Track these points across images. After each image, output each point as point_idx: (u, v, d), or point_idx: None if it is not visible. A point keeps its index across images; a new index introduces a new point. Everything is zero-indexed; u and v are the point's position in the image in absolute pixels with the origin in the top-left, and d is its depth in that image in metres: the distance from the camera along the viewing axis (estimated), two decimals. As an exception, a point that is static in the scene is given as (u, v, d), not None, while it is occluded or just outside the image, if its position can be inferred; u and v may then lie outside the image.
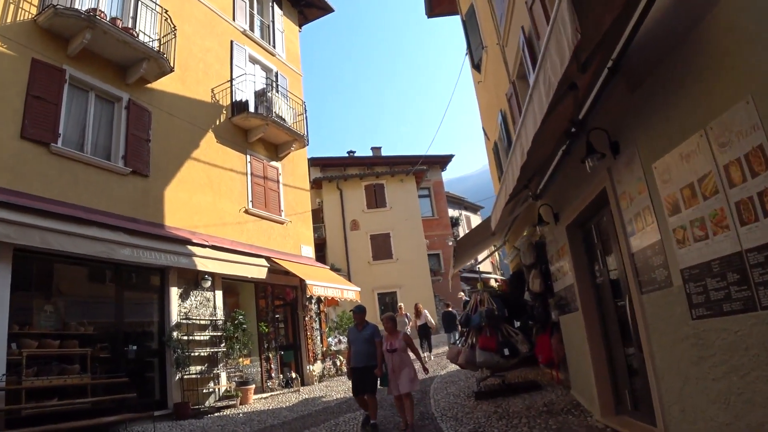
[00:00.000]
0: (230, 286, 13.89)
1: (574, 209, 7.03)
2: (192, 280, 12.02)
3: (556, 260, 8.62)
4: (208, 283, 12.18)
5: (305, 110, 17.34)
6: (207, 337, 12.01)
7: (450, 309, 19.17)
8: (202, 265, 11.59)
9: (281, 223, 15.83)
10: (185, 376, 11.10)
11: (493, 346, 9.50)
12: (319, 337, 16.39)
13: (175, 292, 11.55)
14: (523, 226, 11.60)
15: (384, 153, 37.27)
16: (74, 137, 10.59)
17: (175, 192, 12.22)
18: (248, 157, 15.03)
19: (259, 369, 13.81)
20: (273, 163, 16.12)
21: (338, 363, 16.78)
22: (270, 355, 14.11)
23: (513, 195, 6.86)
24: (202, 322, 12.03)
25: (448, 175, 36.29)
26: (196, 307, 11.98)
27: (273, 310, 14.90)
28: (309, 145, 17.45)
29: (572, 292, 7.71)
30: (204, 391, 11.54)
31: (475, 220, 47.20)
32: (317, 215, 26.65)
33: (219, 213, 13.41)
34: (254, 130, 15.13)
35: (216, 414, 11.14)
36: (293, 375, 14.17)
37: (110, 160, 11.01)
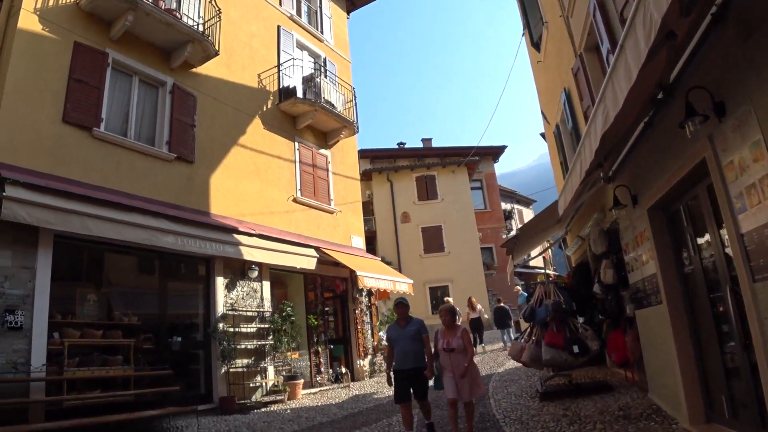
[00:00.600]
0: (278, 276, 13.44)
1: (658, 189, 6.19)
2: (238, 270, 11.60)
3: (632, 248, 7.76)
4: (255, 273, 11.73)
5: (355, 97, 16.76)
6: (254, 330, 11.57)
7: (502, 304, 18.35)
8: (248, 254, 11.14)
9: (331, 212, 15.31)
10: (231, 370, 10.68)
11: (560, 343, 8.70)
12: (369, 331, 15.83)
13: (221, 282, 11.14)
14: (588, 214, 10.71)
15: (435, 144, 36.51)
16: (117, 122, 10.27)
17: (221, 179, 11.81)
18: (296, 144, 14.55)
19: (308, 363, 13.33)
20: (322, 150, 15.60)
21: (390, 358, 16.20)
22: (319, 348, 13.61)
23: (589, 172, 6.06)
24: (249, 314, 11.60)
25: (498, 169, 35.13)
26: (242, 298, 11.55)
27: (322, 302, 14.41)
28: (358, 133, 16.89)
29: (653, 283, 6.88)
30: (251, 385, 11.10)
31: (528, 213, 45.94)
32: (367, 208, 26.09)
33: (266, 201, 12.95)
34: (302, 116, 14.63)
35: (263, 409, 10.67)
36: (343, 370, 13.64)
37: (154, 146, 10.65)
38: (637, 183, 7.08)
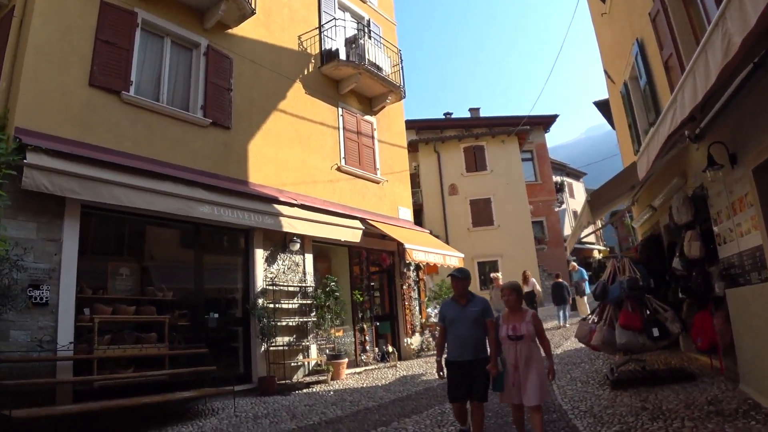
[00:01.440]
0: (321, 250, 12.75)
1: (769, 145, 5.19)
2: (279, 242, 10.93)
3: (726, 217, 6.71)
4: (297, 246, 11.04)
5: (401, 60, 15.77)
6: (296, 306, 10.93)
7: (560, 280, 17.31)
8: (289, 226, 10.43)
9: (377, 182, 14.49)
10: (271, 348, 10.07)
11: (637, 325, 7.73)
12: (417, 308, 15.05)
13: (260, 255, 10.49)
14: (663, 180, 9.62)
15: (483, 114, 35.21)
16: (148, 86, 9.64)
17: (259, 146, 11.10)
18: (340, 110, 13.72)
19: (353, 341, 12.64)
20: (367, 117, 14.74)
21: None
22: (364, 326, 12.91)
23: (684, 123, 5.05)
24: (291, 289, 10.94)
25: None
26: (283, 272, 10.89)
27: (368, 277, 13.67)
28: (405, 100, 15.95)
29: (757, 257, 5.85)
30: (292, 364, 10.50)
31: (578, 187, 44.35)
32: (413, 180, 25.07)
33: (308, 170, 12.21)
34: (346, 80, 13.78)
35: (304, 390, 10.04)
36: (390, 349, 12.92)
37: (188, 111, 10.00)
38: (739, 139, 6.02)
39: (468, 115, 34.91)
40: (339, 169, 13.13)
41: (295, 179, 11.74)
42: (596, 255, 44.75)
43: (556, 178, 36.06)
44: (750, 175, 5.71)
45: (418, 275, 15.55)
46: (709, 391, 6.90)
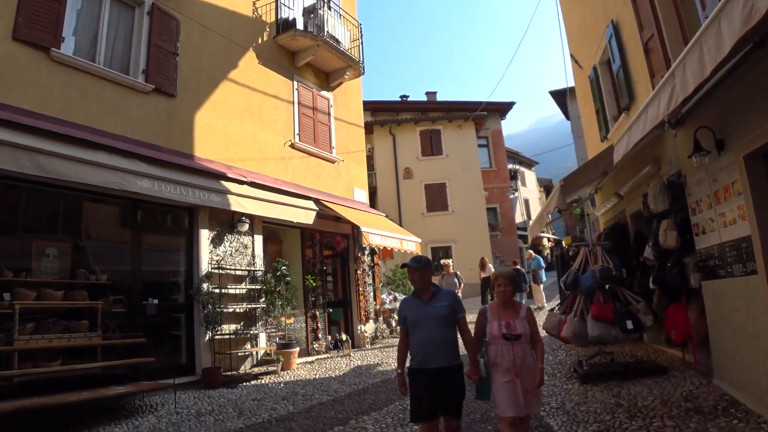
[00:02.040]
0: (272, 231, 11.97)
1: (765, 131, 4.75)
2: (226, 222, 10.10)
3: (706, 206, 6.29)
4: (246, 227, 10.22)
5: (361, 34, 15.00)
6: (243, 291, 10.15)
7: (518, 266, 17.03)
8: (238, 204, 9.61)
9: (332, 161, 13.74)
10: (217, 337, 9.29)
11: (610, 316, 7.31)
12: (372, 294, 14.44)
13: (205, 235, 9.65)
14: (632, 167, 9.24)
15: (439, 99, 34.72)
16: (83, 44, 8.63)
17: (207, 117, 10.21)
18: (295, 83, 12.89)
19: (304, 329, 11.92)
20: (324, 92, 13.95)
21: (393, 323, 14.81)
22: (317, 312, 12.21)
23: (683, 102, 4.56)
24: (238, 273, 10.15)
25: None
26: (231, 255, 10.08)
27: (321, 261, 12.94)
28: (363, 76, 15.21)
29: (740, 249, 5.46)
30: (239, 354, 9.73)
31: (530, 175, 44.64)
32: (368, 162, 24.46)
33: (260, 145, 11.38)
34: (302, 52, 12.95)
35: (253, 382, 9.31)
36: (343, 337, 12.26)
37: (128, 75, 9.03)
38: (729, 123, 5.57)
39: (425, 98, 34.35)
40: (292, 146, 12.33)
41: (245, 155, 10.91)
42: (546, 243, 45.25)
43: (510, 166, 36.01)
44: (741, 161, 5.26)
45: (373, 260, 14.94)
46: (682, 386, 6.60)
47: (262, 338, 10.35)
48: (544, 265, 17.82)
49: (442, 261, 14.27)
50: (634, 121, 5.95)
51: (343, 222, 13.20)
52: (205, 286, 9.31)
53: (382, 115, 29.64)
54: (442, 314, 4.30)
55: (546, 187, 56.14)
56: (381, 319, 14.61)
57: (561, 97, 36.80)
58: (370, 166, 25.69)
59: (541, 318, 14.41)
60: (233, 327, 9.73)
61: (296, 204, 11.09)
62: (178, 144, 9.52)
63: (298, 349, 10.71)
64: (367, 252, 14.53)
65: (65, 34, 8.17)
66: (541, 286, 17.26)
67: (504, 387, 4.24)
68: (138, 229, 9.02)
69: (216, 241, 9.82)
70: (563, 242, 12.37)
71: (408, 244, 13.68)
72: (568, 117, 38.43)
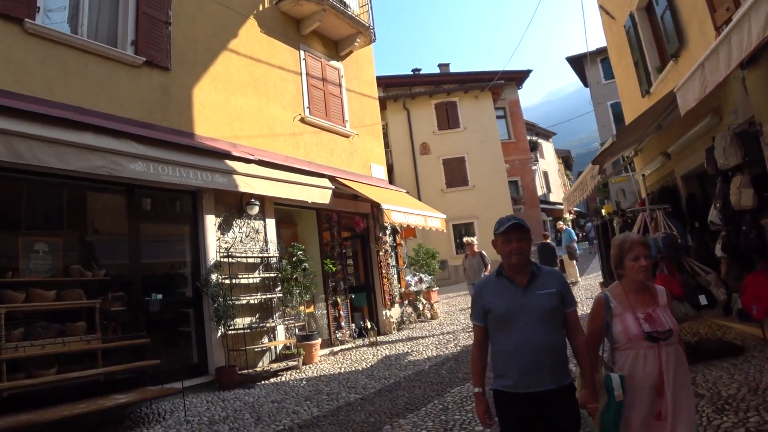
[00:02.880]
0: (285, 214, 11.07)
1: None
2: (234, 206, 9.19)
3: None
4: (256, 210, 9.30)
5: (371, -3, 13.94)
6: (257, 280, 9.26)
7: (548, 241, 15.99)
8: (246, 185, 8.68)
9: (346, 136, 12.75)
10: (230, 332, 8.41)
11: (678, 291, 6.28)
12: (396, 276, 13.50)
13: (211, 221, 8.74)
14: (684, 122, 8.16)
15: (452, 70, 33.48)
16: (62, 14, 7.71)
17: (207, 92, 9.27)
18: (302, 53, 11.88)
19: (326, 318, 11.04)
20: (333, 62, 12.93)
21: (420, 306, 13.88)
22: (338, 299, 11.30)
23: None
24: (250, 261, 9.25)
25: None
26: (241, 241, 9.18)
27: (340, 243, 12.01)
28: (375, 43, 14.14)
29: None
30: (256, 349, 8.85)
31: (548, 147, 43.25)
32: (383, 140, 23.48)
33: (267, 121, 10.42)
34: (308, 18, 11.91)
35: (272, 380, 8.46)
36: (368, 324, 11.35)
37: (116, 47, 8.09)
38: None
39: (437, 71, 33.11)
40: (303, 120, 11.36)
41: (251, 131, 9.97)
42: (567, 216, 44.05)
43: (529, 138, 34.78)
44: None
45: (395, 240, 13.99)
46: None
47: (280, 331, 9.47)
48: (575, 237, 16.77)
49: (465, 239, 12.64)
50: (706, 59, 4.91)
51: (361, 201, 12.27)
52: (213, 277, 8.43)
53: (394, 90, 28.50)
54: (547, 307, 2.78)
55: (564, 158, 54.74)
56: (407, 302, 13.69)
57: (578, 63, 35.55)
58: (385, 144, 24.63)
59: (579, 295, 13.46)
60: (248, 320, 8.87)
61: (310, 182, 10.14)
62: (175, 122, 8.59)
63: (320, 340, 9.82)
64: (389, 231, 13.59)
65: (41, 3, 7.24)
66: (575, 262, 16.21)
67: (633, 414, 2.75)
68: (136, 218, 8.13)
69: (224, 227, 8.91)
70: (603, 211, 11.25)
71: (433, 221, 12.71)
72: (586, 84, 37.22)
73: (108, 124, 7.29)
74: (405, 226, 12.07)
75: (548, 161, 42.19)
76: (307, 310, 10.14)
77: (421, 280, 14.26)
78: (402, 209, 11.42)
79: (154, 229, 8.61)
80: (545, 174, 39.61)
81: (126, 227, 8.01)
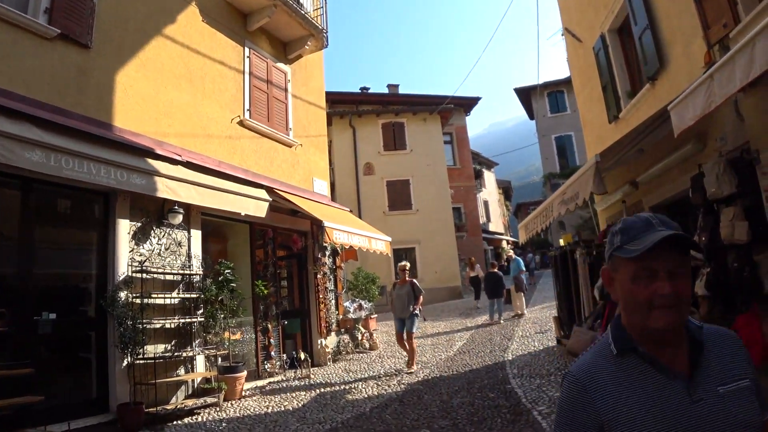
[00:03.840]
0: (215, 227, 9.83)
1: None
2: (154, 212, 7.91)
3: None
4: (179, 219, 8.02)
5: (326, 1, 12.97)
6: (176, 301, 7.97)
7: (496, 270, 15.33)
8: (168, 190, 7.42)
9: (289, 145, 11.64)
10: (138, 362, 7.07)
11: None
12: (333, 301, 12.36)
13: (125, 229, 7.43)
14: (657, 150, 7.58)
15: (402, 92, 32.88)
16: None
17: (133, 79, 8.01)
18: (247, 50, 10.76)
19: (254, 346, 9.78)
20: (280, 64, 11.84)
21: (359, 336, 12.76)
22: (269, 325, 10.07)
23: None
24: (169, 278, 7.96)
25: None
26: (159, 254, 7.88)
27: (274, 263, 10.81)
28: (327, 49, 13.17)
29: None
30: (169, 383, 7.52)
31: (489, 177, 43.24)
32: (325, 156, 22.42)
33: (201, 120, 9.22)
34: (256, 13, 10.83)
35: (186, 420, 7.13)
36: (301, 355, 10.13)
37: (26, 13, 6.77)
38: None
39: (386, 91, 32.42)
40: (242, 123, 10.20)
41: (182, 129, 8.75)
42: (505, 246, 44.02)
43: (474, 166, 34.50)
44: None
45: (334, 262, 12.89)
46: None
47: (200, 361, 8.19)
48: (524, 267, 16.13)
49: (399, 264, 10.66)
50: (717, 70, 4.23)
51: (300, 217, 11.19)
52: (122, 294, 7.11)
53: (341, 106, 27.56)
54: (745, 422, 1.25)
55: (505, 188, 55.12)
56: (344, 330, 12.57)
57: (525, 95, 35.70)
58: (328, 162, 23.66)
59: (527, 329, 12.69)
60: (161, 348, 7.56)
61: (245, 192, 8.97)
62: (92, 109, 7.30)
63: (245, 372, 8.56)
64: (328, 253, 12.49)
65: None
66: (522, 293, 15.52)
67: None
68: (31, 219, 6.74)
69: (140, 237, 7.62)
70: (561, 241, 10.54)
71: (377, 243, 11.69)
72: (532, 116, 37.43)
73: (3, 102, 5.97)
74: (347, 247, 10.98)
75: (489, 191, 42.10)
76: (233, 338, 8.88)
77: (360, 307, 13.18)
78: (345, 228, 10.34)
79: (53, 233, 7.23)
80: (486, 203, 39.42)
81: (16, 229, 6.62)
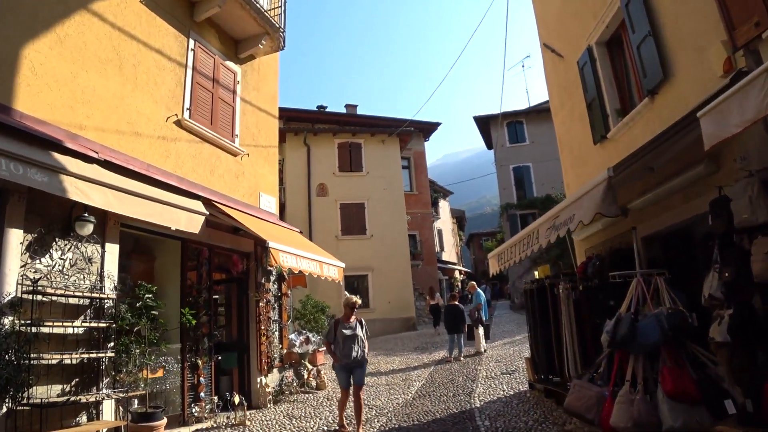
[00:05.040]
0: (138, 241, 8.33)
1: None
2: (58, 219, 6.38)
3: None
4: (89, 228, 6.48)
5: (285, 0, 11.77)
6: (80, 331, 6.41)
7: (456, 302, 14.20)
8: (79, 192, 5.91)
9: (234, 154, 10.25)
10: (22, 408, 5.49)
11: (694, 392, 4.35)
12: (277, 333, 10.88)
13: (16, 238, 5.86)
14: (658, 172, 6.60)
15: (360, 112, 31.84)
16: None
17: (45, 56, 6.55)
18: (192, 42, 9.41)
19: (180, 385, 8.21)
20: (230, 63, 10.50)
21: (304, 374, 11.28)
22: (199, 361, 8.54)
23: None
24: (73, 301, 6.41)
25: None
26: (61, 271, 6.33)
27: (209, 287, 9.30)
28: (283, 50, 11.92)
29: None
30: (62, 435, 5.96)
31: (444, 205, 42.59)
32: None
33: (129, 114, 7.78)
34: (205, 2, 9.54)
35: (78, 486, 5.60)
36: (235, 398, 8.60)
37: None
38: None
39: (344, 111, 31.30)
40: (179, 123, 8.79)
41: (104, 123, 7.29)
42: (458, 276, 43.17)
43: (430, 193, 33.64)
44: None
45: (280, 288, 11.45)
46: None
47: (108, 406, 6.61)
48: (484, 300, 14.99)
49: (346, 298, 8.24)
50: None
51: (243, 236, 9.82)
52: (7, 321, 5.55)
53: (296, 124, 26.26)
54: None
55: (458, 218, 54.59)
56: (288, 365, 11.10)
57: (484, 124, 35.16)
58: (280, 180, 22.25)
59: (491, 368, 11.47)
60: (57, 389, 6.00)
61: (177, 203, 7.51)
62: (-19, 86, 5.84)
63: (165, 420, 6.97)
64: (273, 278, 11.07)
65: None
66: (481, 329, 14.35)
67: None
68: None
69: (36, 249, 6.07)
70: (536, 273, 9.44)
71: (330, 269, 10.35)
72: (490, 146, 36.90)
73: None
74: (297, 272, 9.58)
75: (444, 219, 41.34)
76: (153, 375, 7.34)
77: (308, 340, 11.70)
78: (294, 251, 8.96)
79: None
80: (440, 232, 38.54)
81: None
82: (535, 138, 31.40)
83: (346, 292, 8.46)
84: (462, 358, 13.38)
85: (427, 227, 29.18)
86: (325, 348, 7.63)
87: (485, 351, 14.19)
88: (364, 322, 8.13)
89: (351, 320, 7.95)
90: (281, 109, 24.75)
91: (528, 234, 7.54)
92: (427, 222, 29.21)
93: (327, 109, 29.95)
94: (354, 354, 7.64)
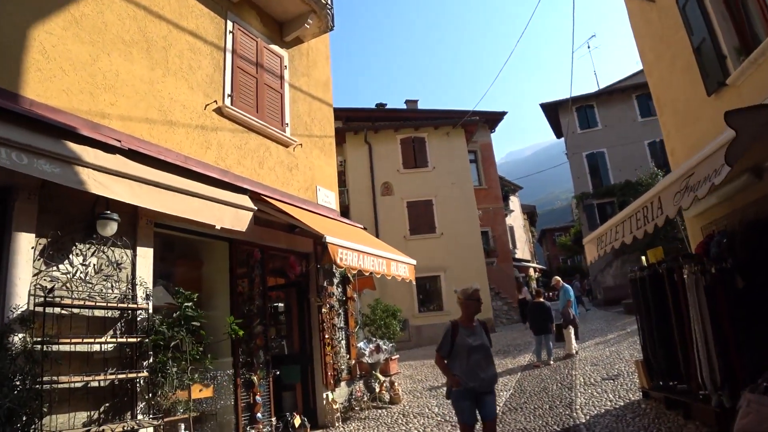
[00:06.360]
0: (179, 243, 7.44)
1: None
2: (79, 219, 5.51)
3: None
4: (112, 228, 5.55)
5: (331, -26, 10.77)
6: (109, 347, 5.52)
7: (542, 299, 12.77)
8: (98, 184, 5.00)
9: (285, 144, 9.29)
10: (36, 442, 4.62)
11: None
12: (344, 342, 9.83)
13: (27, 242, 4.98)
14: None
15: (421, 107, 30.68)
16: None
17: (58, 38, 5.73)
18: (230, 24, 8.51)
19: (233, 404, 7.23)
20: (274, 47, 9.56)
21: (376, 387, 10.14)
22: (254, 377, 7.53)
23: None
24: (99, 313, 5.53)
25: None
26: (83, 278, 5.42)
27: (263, 294, 8.30)
28: (332, 33, 10.92)
29: None
30: (87, 472, 5.04)
31: (514, 201, 40.85)
32: (339, 177, 20.07)
33: (160, 100, 6.90)
34: (241, -22, 8.66)
35: None
36: (296, 419, 7.54)
37: None
38: None
39: (404, 107, 30.24)
40: (220, 111, 7.87)
41: (131, 110, 6.42)
42: (532, 273, 41.21)
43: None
44: None
45: (345, 292, 10.40)
46: None
47: (145, 433, 5.71)
48: (573, 296, 13.49)
49: (462, 289, 5.71)
50: None
51: (300, 234, 8.80)
52: (17, 339, 4.68)
53: (355, 124, 25.38)
54: None
55: (529, 213, 52.51)
56: (358, 378, 10.02)
57: (553, 112, 33.28)
58: (341, 182, 21.36)
59: (587, 375, 9.95)
60: (81, 417, 5.11)
61: (220, 198, 6.55)
62: (-16, 70, 5.03)
63: (214, 448, 6.04)
64: (337, 280, 10.03)
65: None
66: (571, 329, 12.84)
67: None
68: None
69: (52, 254, 5.20)
70: (643, 259, 7.95)
71: (399, 267, 9.20)
72: (559, 135, 34.95)
73: None
74: (367, 273, 8.42)
75: (514, 216, 39.59)
76: (201, 395, 6.39)
77: (378, 349, 10.55)
78: (356, 246, 7.85)
79: None
80: (511, 228, 36.86)
81: None
82: (608, 122, 29.41)
83: (456, 289, 6.40)
84: (552, 363, 11.93)
85: (500, 222, 27.66)
86: (436, 364, 5.58)
87: (577, 353, 12.66)
88: (487, 326, 5.77)
89: (473, 323, 5.52)
90: (338, 110, 23.92)
91: (642, 205, 6.12)
92: (499, 217, 27.69)
93: (387, 106, 28.96)
94: (483, 374, 5.14)
